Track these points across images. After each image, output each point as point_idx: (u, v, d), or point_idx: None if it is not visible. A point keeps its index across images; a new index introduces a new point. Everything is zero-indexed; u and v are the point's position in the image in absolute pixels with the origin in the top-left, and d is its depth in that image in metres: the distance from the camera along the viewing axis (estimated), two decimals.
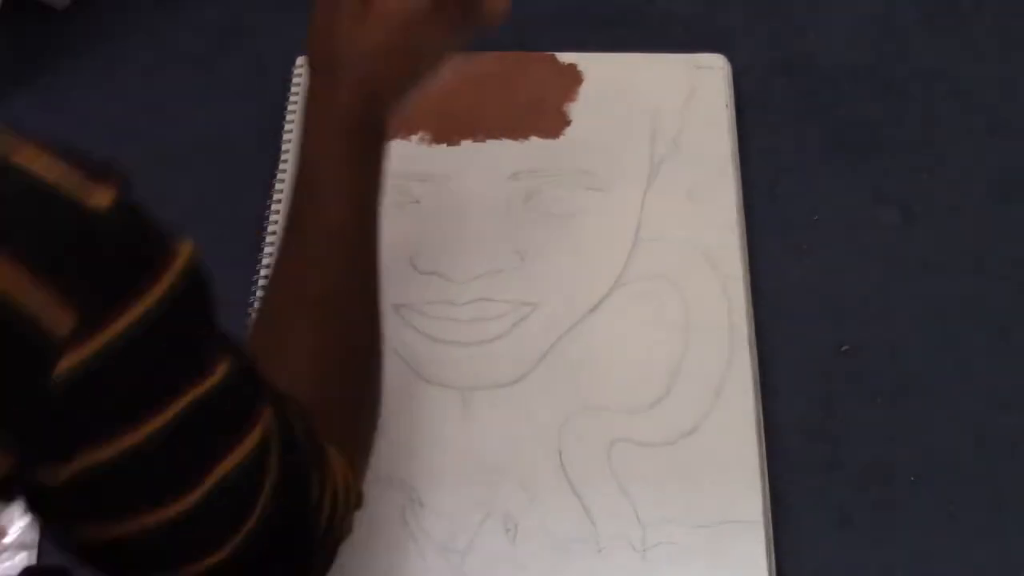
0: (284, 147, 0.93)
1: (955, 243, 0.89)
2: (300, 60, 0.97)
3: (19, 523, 0.78)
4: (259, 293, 0.86)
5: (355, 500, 0.65)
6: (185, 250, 0.50)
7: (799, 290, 0.87)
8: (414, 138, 0.92)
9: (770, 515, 0.77)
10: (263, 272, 0.87)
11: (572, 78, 0.95)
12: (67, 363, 0.45)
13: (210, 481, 0.52)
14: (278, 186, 0.91)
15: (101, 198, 0.47)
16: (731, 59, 0.95)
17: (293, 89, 0.96)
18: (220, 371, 0.52)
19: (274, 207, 0.90)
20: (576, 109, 0.94)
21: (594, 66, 0.96)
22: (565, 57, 0.96)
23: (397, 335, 0.83)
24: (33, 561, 0.77)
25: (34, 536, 0.77)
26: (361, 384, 0.73)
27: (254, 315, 0.75)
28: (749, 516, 0.76)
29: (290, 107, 0.95)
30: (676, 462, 0.78)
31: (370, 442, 0.73)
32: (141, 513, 0.51)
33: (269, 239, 0.88)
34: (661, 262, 0.86)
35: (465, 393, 0.81)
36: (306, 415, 0.62)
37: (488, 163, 0.91)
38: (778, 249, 0.88)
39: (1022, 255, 0.88)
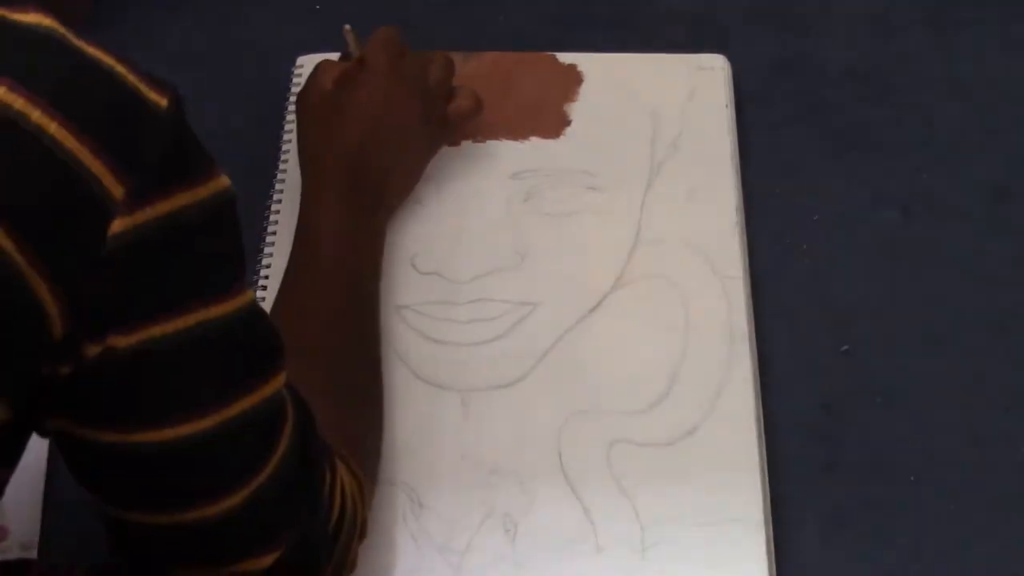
0: (284, 147, 0.93)
1: (955, 243, 0.89)
2: (300, 60, 0.97)
3: (19, 523, 0.78)
4: (259, 294, 0.86)
5: (360, 528, 0.66)
6: (225, 181, 0.53)
7: (799, 290, 0.87)
8: None
9: (770, 515, 0.77)
10: (263, 273, 0.87)
11: (572, 78, 0.95)
12: (119, 226, 0.48)
13: (230, 409, 0.54)
14: (278, 186, 0.91)
15: (160, 99, 0.50)
16: (731, 59, 0.96)
17: (293, 89, 0.96)
18: (245, 297, 0.55)
19: (274, 207, 0.90)
20: (576, 109, 0.94)
21: (594, 66, 0.96)
22: (565, 57, 0.96)
23: (397, 336, 0.83)
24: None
25: (34, 536, 0.77)
26: (366, 422, 0.75)
27: None
28: (749, 516, 0.76)
29: (290, 107, 0.95)
30: (676, 462, 0.78)
31: (373, 480, 0.74)
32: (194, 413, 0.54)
33: (269, 239, 0.88)
34: (661, 262, 0.86)
35: (465, 394, 0.81)
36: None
37: (488, 163, 0.91)
38: (778, 249, 0.88)
39: (1022, 255, 0.88)
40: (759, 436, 0.79)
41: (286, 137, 0.93)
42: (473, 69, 0.95)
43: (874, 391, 0.83)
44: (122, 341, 0.50)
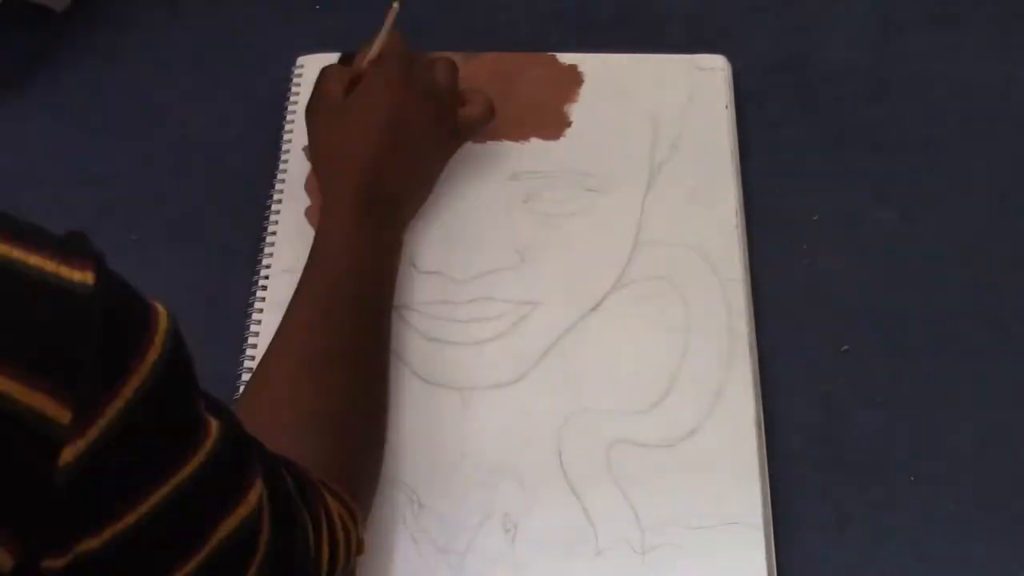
0: (284, 147, 0.93)
1: (955, 243, 0.88)
2: (300, 60, 0.97)
3: None
4: (259, 294, 0.86)
5: (356, 546, 0.66)
6: (162, 317, 0.48)
7: (799, 291, 0.87)
8: None
9: (770, 516, 0.77)
10: (263, 272, 0.87)
11: (572, 79, 0.95)
12: (70, 453, 0.44)
13: (209, 546, 0.52)
14: (278, 186, 0.91)
15: (82, 278, 0.45)
16: (731, 60, 0.95)
17: (293, 89, 0.96)
18: (211, 438, 0.51)
19: (274, 207, 0.90)
20: (576, 110, 0.94)
21: (594, 67, 0.96)
22: (565, 58, 0.96)
23: (397, 335, 0.83)
24: None
25: None
26: (362, 437, 0.75)
27: (254, 369, 0.77)
28: (749, 517, 0.76)
29: (290, 107, 0.95)
30: (676, 463, 0.78)
31: (372, 489, 0.75)
32: None
33: (270, 239, 0.88)
34: (661, 263, 0.86)
35: (464, 393, 0.81)
36: (297, 467, 0.62)
37: (489, 164, 0.91)
38: (778, 250, 0.88)
39: (1021, 254, 0.88)
40: (759, 437, 0.79)
41: (286, 137, 0.93)
42: (473, 69, 0.95)
43: (874, 391, 0.83)
44: (93, 543, 0.47)
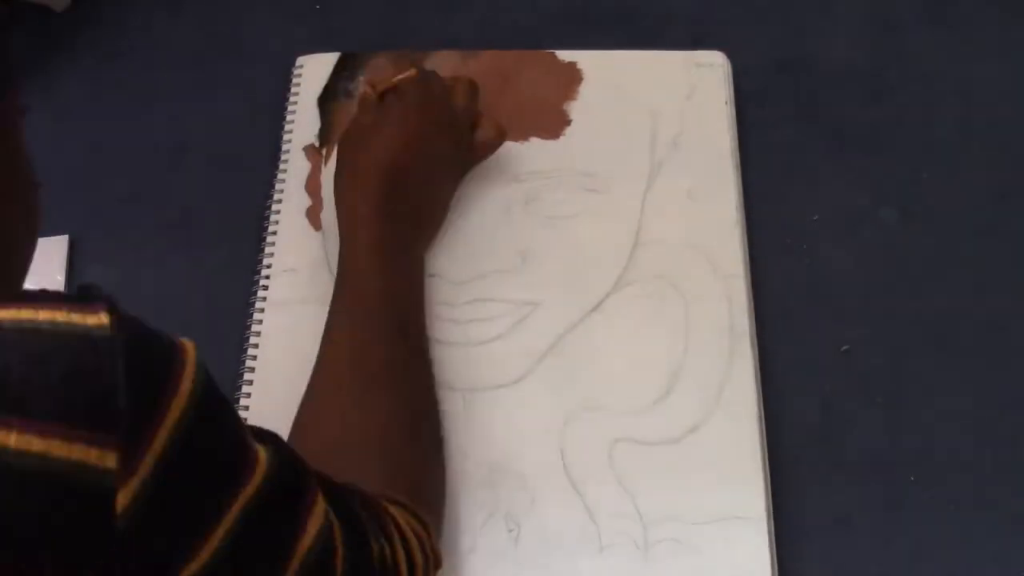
0: (284, 147, 0.93)
1: (955, 243, 0.89)
2: (300, 60, 0.97)
3: None
4: (260, 294, 0.86)
5: (434, 558, 0.66)
6: (190, 350, 0.48)
7: (799, 290, 0.87)
8: None
9: (772, 512, 0.77)
10: (264, 272, 0.87)
11: (572, 77, 0.95)
12: (124, 496, 0.44)
13: (291, 571, 0.52)
14: (278, 186, 0.91)
15: (98, 321, 0.45)
16: (731, 58, 0.95)
17: (293, 89, 0.96)
18: (263, 462, 0.51)
19: (274, 207, 0.90)
20: (576, 108, 0.94)
21: (594, 64, 0.96)
22: (565, 56, 0.96)
23: None
24: None
25: None
26: (419, 452, 0.75)
27: (301, 403, 0.76)
28: (751, 514, 0.76)
29: (290, 107, 0.95)
30: (678, 461, 0.78)
31: (440, 502, 0.75)
32: None
33: (270, 239, 0.89)
34: (662, 262, 0.86)
35: (466, 394, 0.81)
36: (354, 487, 0.62)
37: (488, 164, 0.91)
38: (778, 249, 0.88)
39: (1021, 255, 0.88)
40: (761, 434, 0.79)
41: (286, 137, 0.93)
42: (473, 68, 0.95)
43: (874, 391, 0.83)
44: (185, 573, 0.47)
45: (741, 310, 0.84)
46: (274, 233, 0.89)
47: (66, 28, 1.01)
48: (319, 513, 0.54)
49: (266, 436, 0.54)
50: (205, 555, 0.48)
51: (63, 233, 0.90)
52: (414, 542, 0.63)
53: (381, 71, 0.92)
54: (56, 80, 0.99)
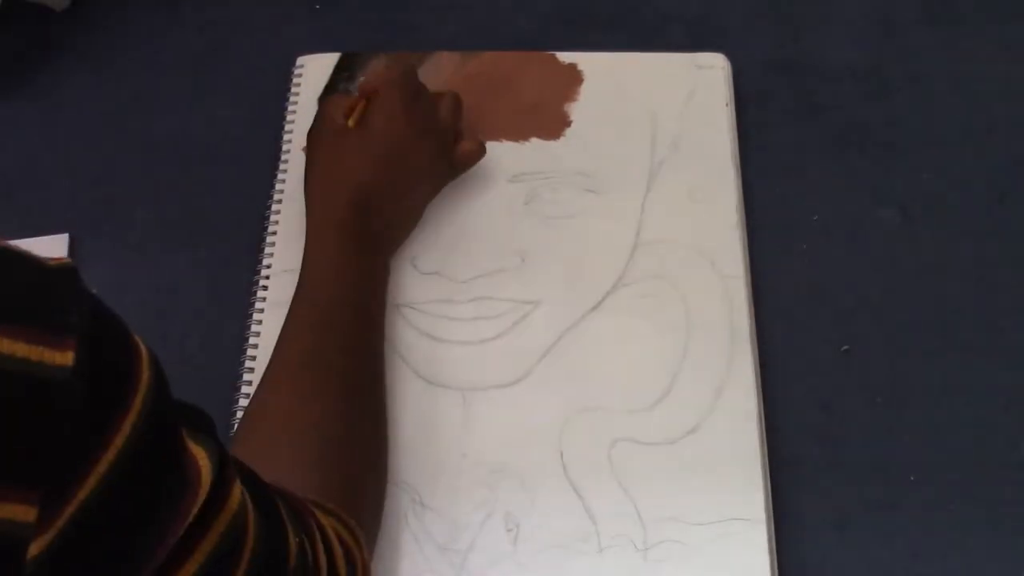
0: (284, 147, 0.93)
1: (955, 243, 0.89)
2: (300, 60, 0.97)
3: None
4: (260, 294, 0.86)
5: (362, 568, 0.65)
6: (143, 374, 0.46)
7: (799, 290, 0.87)
8: None
9: (771, 512, 0.77)
10: (264, 272, 0.87)
11: (572, 78, 0.95)
12: (36, 548, 0.42)
13: (199, 553, 0.50)
14: (278, 186, 0.91)
15: (62, 356, 0.42)
16: (731, 59, 0.96)
17: (293, 89, 0.96)
18: (204, 482, 0.50)
19: (274, 207, 0.90)
20: (576, 109, 0.94)
21: (594, 66, 0.96)
22: (565, 57, 0.96)
23: (398, 335, 0.83)
24: None
25: None
26: (361, 463, 0.74)
27: (250, 399, 0.76)
28: (751, 514, 0.76)
29: (290, 107, 0.95)
30: (677, 461, 0.78)
31: (377, 514, 0.74)
32: None
33: (270, 239, 0.89)
34: (662, 263, 0.86)
35: (466, 393, 0.81)
36: (283, 491, 0.61)
37: (489, 165, 0.91)
38: (778, 249, 0.88)
39: (1021, 255, 0.88)
40: (760, 434, 0.79)
41: (286, 137, 0.93)
42: (473, 69, 0.95)
43: (874, 391, 0.83)
44: None
45: (741, 310, 0.84)
46: (274, 233, 0.89)
47: (66, 28, 1.01)
48: (234, 499, 0.53)
49: (203, 429, 0.52)
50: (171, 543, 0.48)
51: (63, 232, 0.90)
52: (338, 550, 0.62)
53: (379, 73, 0.92)
54: (56, 80, 0.99)
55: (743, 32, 0.99)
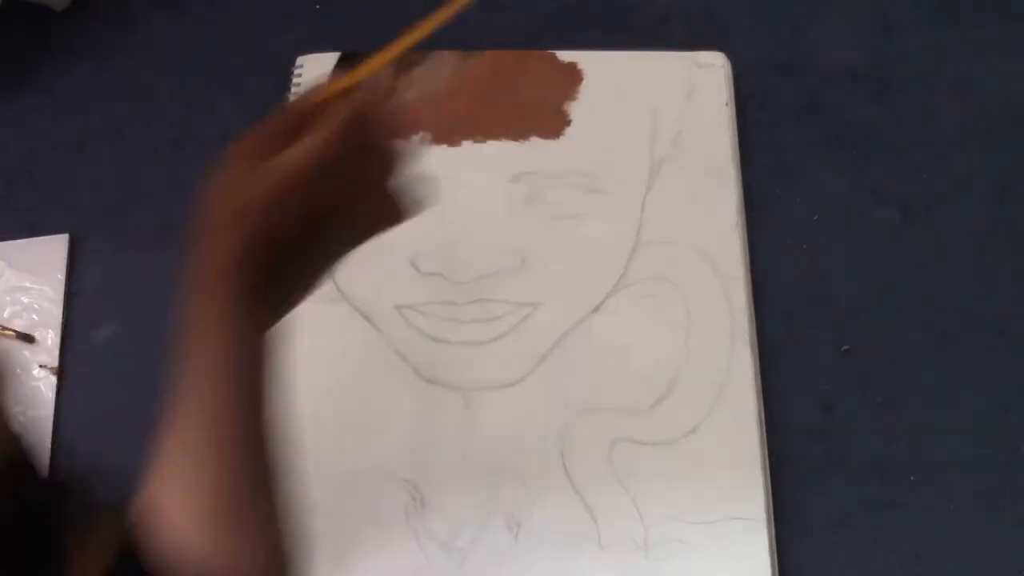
0: None
1: (955, 243, 0.89)
2: (300, 60, 0.97)
3: None
4: None
5: None
6: None
7: (799, 290, 0.87)
8: (414, 138, 0.92)
9: (772, 512, 0.77)
10: None
11: (572, 77, 0.95)
12: None
13: None
14: None
15: None
16: (731, 58, 0.96)
17: (293, 89, 0.96)
18: None
19: None
20: (576, 108, 0.94)
21: (594, 65, 0.96)
22: (565, 56, 0.96)
23: (399, 335, 0.83)
24: None
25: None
26: (275, 509, 0.65)
27: (152, 467, 0.65)
28: (751, 514, 0.76)
29: None
30: (678, 461, 0.78)
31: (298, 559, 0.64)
32: None
33: None
34: (662, 263, 0.86)
35: (467, 393, 0.81)
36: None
37: (489, 164, 0.91)
38: (778, 249, 0.88)
39: (1021, 254, 0.88)
40: (760, 435, 0.79)
41: None
42: (473, 68, 0.95)
43: (874, 390, 0.83)
44: None
45: (741, 310, 0.84)
46: None
47: (66, 28, 1.01)
48: None
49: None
50: None
51: (63, 232, 0.90)
52: None
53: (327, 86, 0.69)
54: (56, 80, 0.99)
55: (743, 31, 0.99)
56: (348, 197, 0.65)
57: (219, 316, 0.64)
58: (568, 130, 0.93)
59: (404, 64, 0.96)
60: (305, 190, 0.62)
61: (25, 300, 0.88)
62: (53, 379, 0.86)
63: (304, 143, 0.63)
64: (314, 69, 0.97)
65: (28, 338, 0.87)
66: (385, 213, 0.68)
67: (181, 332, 0.66)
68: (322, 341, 0.84)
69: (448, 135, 0.92)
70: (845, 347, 0.84)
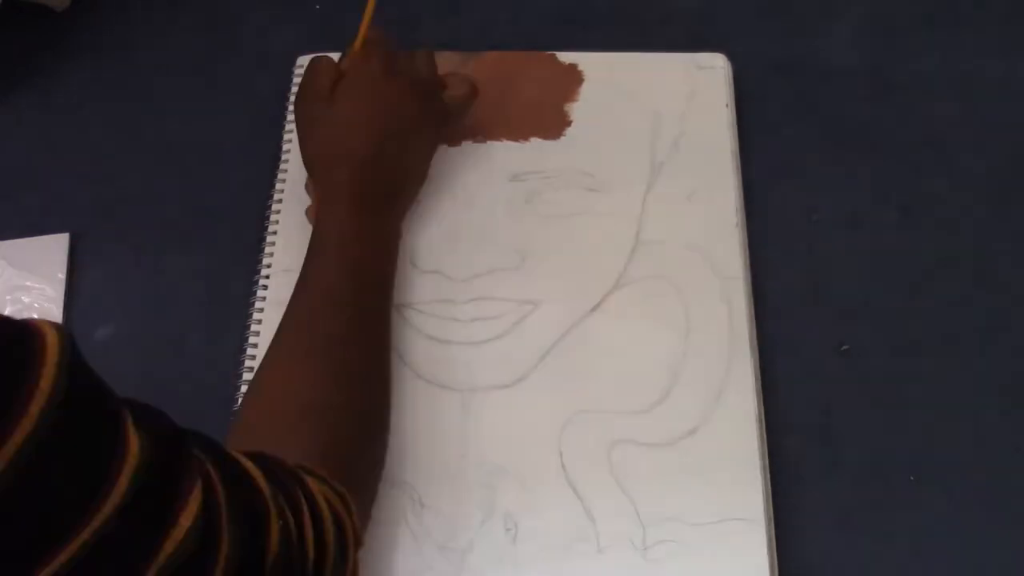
0: (284, 147, 0.93)
1: (954, 242, 0.89)
2: (300, 60, 0.97)
3: None
4: (260, 294, 0.86)
5: (353, 537, 0.63)
6: (51, 349, 0.45)
7: (799, 290, 0.87)
8: None
9: (771, 513, 0.77)
10: (264, 272, 0.87)
11: (573, 78, 0.95)
12: None
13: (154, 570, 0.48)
14: (278, 186, 0.91)
15: None
16: (731, 59, 0.96)
17: (293, 89, 0.96)
18: (133, 457, 0.47)
19: (274, 207, 0.90)
20: (577, 109, 0.94)
21: (595, 66, 0.96)
22: (566, 57, 0.96)
23: (397, 334, 0.83)
24: None
25: None
26: (361, 425, 0.75)
27: (257, 365, 0.76)
28: (750, 514, 0.76)
29: (290, 107, 0.95)
30: (677, 462, 0.78)
31: (375, 478, 0.75)
32: None
33: (270, 239, 0.89)
34: (662, 263, 0.86)
35: (465, 394, 0.81)
36: (268, 458, 0.60)
37: (489, 164, 0.91)
38: (778, 249, 0.88)
39: (1021, 254, 0.88)
40: (760, 435, 0.79)
41: (286, 137, 0.94)
42: (474, 69, 0.95)
43: (874, 390, 0.83)
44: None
45: (741, 311, 0.84)
46: (274, 233, 0.89)
47: (66, 28, 1.01)
48: (193, 508, 0.50)
49: (145, 416, 0.50)
50: (63, 557, 0.45)
51: (63, 232, 0.90)
52: (328, 517, 0.60)
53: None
54: (56, 80, 0.99)
55: (743, 32, 0.99)
56: (409, 100, 0.85)
57: (345, 220, 0.80)
58: (569, 131, 0.93)
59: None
60: (385, 115, 0.84)
61: (25, 299, 0.88)
62: None
63: (348, 78, 0.84)
64: None
65: None
66: (447, 100, 0.89)
67: (311, 247, 0.80)
68: None
69: (449, 135, 0.92)
70: (845, 347, 0.84)
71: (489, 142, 0.92)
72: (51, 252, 0.89)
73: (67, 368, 0.45)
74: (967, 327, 0.85)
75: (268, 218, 0.90)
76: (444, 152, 0.92)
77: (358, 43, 0.87)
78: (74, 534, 0.45)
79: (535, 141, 0.92)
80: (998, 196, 0.90)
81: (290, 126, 0.94)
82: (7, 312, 0.88)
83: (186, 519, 0.50)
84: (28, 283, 0.89)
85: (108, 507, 0.46)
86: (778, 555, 0.76)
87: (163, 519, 0.49)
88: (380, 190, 0.83)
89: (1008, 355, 0.84)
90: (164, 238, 0.91)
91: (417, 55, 0.88)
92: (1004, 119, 0.94)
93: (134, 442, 0.48)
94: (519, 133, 0.92)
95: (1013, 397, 0.82)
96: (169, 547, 0.49)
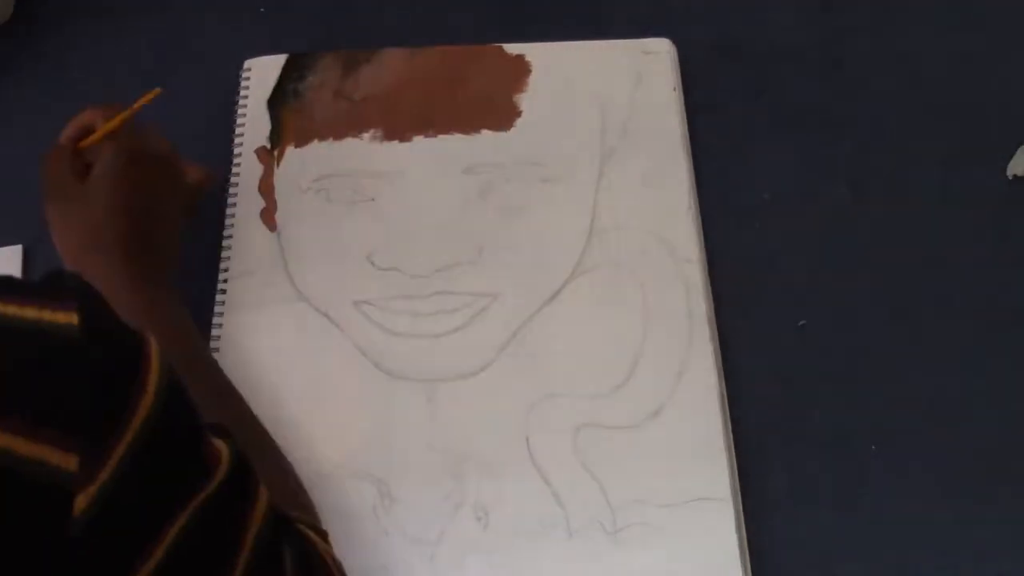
0: (236, 151, 0.93)
1: (904, 217, 0.90)
2: (248, 63, 0.97)
3: None
4: (219, 297, 0.86)
5: (339, 571, 0.66)
6: (154, 348, 0.48)
7: (754, 269, 0.88)
8: (366, 136, 0.92)
9: (738, 491, 0.77)
10: (222, 276, 0.87)
11: (521, 69, 0.96)
12: (83, 501, 0.44)
13: (246, 548, 0.53)
14: (232, 189, 0.91)
15: (67, 319, 0.45)
16: (676, 42, 0.96)
17: (242, 92, 0.96)
18: (225, 459, 0.52)
19: (229, 210, 0.90)
20: (526, 100, 0.94)
21: (542, 56, 0.96)
22: (513, 49, 0.97)
23: (358, 331, 0.83)
24: None
25: None
26: (281, 461, 0.76)
27: None
28: (717, 493, 0.77)
29: (239, 110, 0.95)
30: (642, 444, 0.79)
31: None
32: None
33: (226, 242, 0.89)
34: (618, 249, 0.86)
35: (429, 386, 0.82)
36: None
37: (441, 158, 0.91)
38: (732, 230, 0.89)
39: (970, 227, 0.89)
40: (723, 414, 0.80)
41: (237, 140, 0.93)
42: (421, 64, 0.95)
43: (832, 364, 0.83)
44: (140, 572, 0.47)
45: (698, 293, 0.85)
46: (230, 236, 0.89)
47: (8, 40, 1.01)
48: (263, 505, 0.55)
49: (221, 429, 0.54)
50: (160, 553, 0.48)
51: (16, 243, 0.90)
52: (327, 554, 0.64)
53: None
54: (2, 93, 0.98)
55: (687, 16, 0.99)
56: (160, 188, 0.82)
57: (142, 310, 0.75)
58: (519, 122, 0.93)
59: (352, 64, 0.96)
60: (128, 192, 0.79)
61: None
62: None
63: (102, 166, 0.80)
64: (261, 72, 0.97)
65: None
66: (192, 180, 0.85)
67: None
68: (283, 341, 0.84)
69: (399, 131, 0.92)
70: (802, 322, 0.85)
71: (440, 136, 0.92)
72: (5, 264, 0.89)
73: (167, 375, 0.49)
74: (917, 299, 0.86)
75: (225, 221, 0.90)
76: (396, 148, 0.92)
77: (101, 133, 0.83)
78: (165, 529, 0.48)
79: (486, 133, 0.93)
80: (946, 168, 0.91)
81: (240, 129, 0.94)
82: None
83: (259, 515, 0.55)
84: None
85: (196, 503, 0.50)
86: (746, 531, 0.76)
87: (244, 515, 0.54)
88: (148, 261, 0.79)
89: (960, 325, 0.85)
90: None
91: (150, 136, 0.84)
92: (949, 93, 0.95)
93: (223, 448, 0.53)
94: (470, 126, 0.93)
95: (965, 364, 0.83)
96: (249, 539, 0.54)
